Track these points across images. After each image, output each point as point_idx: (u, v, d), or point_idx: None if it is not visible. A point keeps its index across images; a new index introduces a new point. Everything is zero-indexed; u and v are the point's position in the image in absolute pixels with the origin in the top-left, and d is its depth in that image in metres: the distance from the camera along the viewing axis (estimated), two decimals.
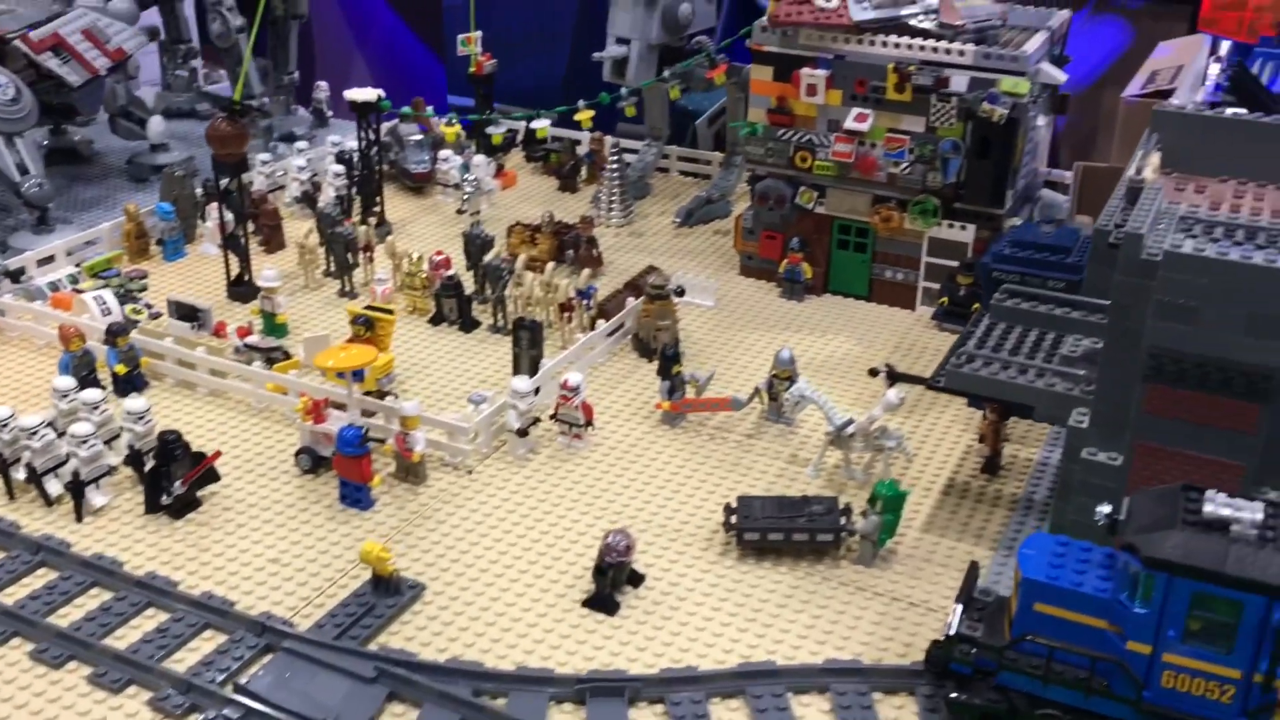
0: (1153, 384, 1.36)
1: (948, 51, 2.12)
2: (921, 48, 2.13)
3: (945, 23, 2.13)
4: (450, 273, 2.20)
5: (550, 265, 2.22)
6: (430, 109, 3.15)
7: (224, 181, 2.16)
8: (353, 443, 1.62)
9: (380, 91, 2.50)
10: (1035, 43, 2.12)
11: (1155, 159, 1.59)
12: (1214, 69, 3.52)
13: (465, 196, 2.64)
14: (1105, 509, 1.25)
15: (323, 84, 3.26)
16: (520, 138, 2.99)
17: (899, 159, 2.21)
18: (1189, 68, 3.94)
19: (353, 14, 9.44)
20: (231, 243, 2.21)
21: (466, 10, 11.08)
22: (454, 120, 2.99)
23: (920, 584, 1.56)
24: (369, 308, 1.97)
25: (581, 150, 2.88)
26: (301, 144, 2.71)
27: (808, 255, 2.35)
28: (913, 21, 2.17)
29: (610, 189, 2.67)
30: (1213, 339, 1.30)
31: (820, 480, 1.78)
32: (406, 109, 3.10)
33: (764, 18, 2.24)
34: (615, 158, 2.66)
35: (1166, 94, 4.53)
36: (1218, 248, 1.30)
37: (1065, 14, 2.35)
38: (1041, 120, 2.22)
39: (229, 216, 2.17)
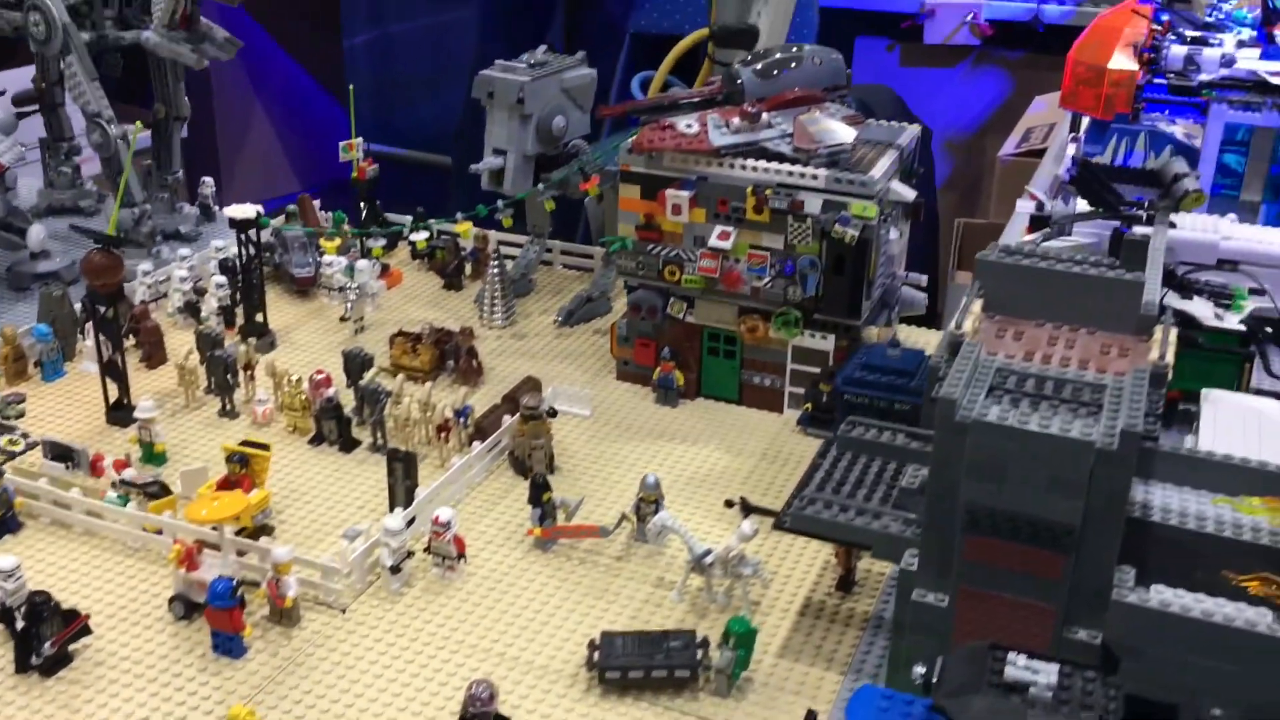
0: (970, 535, 1.47)
1: (801, 175, 2.23)
2: (777, 171, 2.24)
3: (799, 147, 2.25)
4: (330, 392, 2.24)
5: (427, 385, 2.28)
6: (318, 204, 3.20)
7: (100, 309, 2.18)
8: (224, 595, 1.66)
9: (259, 208, 2.53)
10: (883, 165, 2.24)
11: (977, 307, 1.71)
12: (1070, 147, 3.71)
13: (349, 304, 2.68)
14: (920, 670, 1.35)
15: (208, 179, 3.28)
16: (407, 232, 3.04)
17: (761, 274, 2.31)
18: (1061, 124, 4.10)
19: (252, 64, 9.37)
20: (109, 369, 2.23)
21: (369, 52, 10.96)
22: (340, 224, 3.04)
23: (774, 713, 1.65)
24: (244, 443, 2.00)
25: (466, 247, 2.94)
26: (185, 250, 2.73)
27: (680, 363, 2.44)
28: (770, 145, 2.27)
29: (491, 290, 2.74)
30: (1018, 498, 1.41)
31: (685, 605, 1.86)
32: (292, 207, 3.14)
33: (632, 138, 2.34)
34: (495, 260, 2.73)
35: (1040, 153, 4.74)
36: (1020, 415, 1.41)
37: (915, 130, 2.49)
38: (894, 234, 2.34)
39: (105, 345, 2.19)
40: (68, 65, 2.73)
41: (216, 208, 3.27)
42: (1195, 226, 2.73)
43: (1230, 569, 1.55)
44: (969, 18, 6.26)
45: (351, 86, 3.08)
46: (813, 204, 2.23)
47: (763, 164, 2.27)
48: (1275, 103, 3.30)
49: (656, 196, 2.33)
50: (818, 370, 2.34)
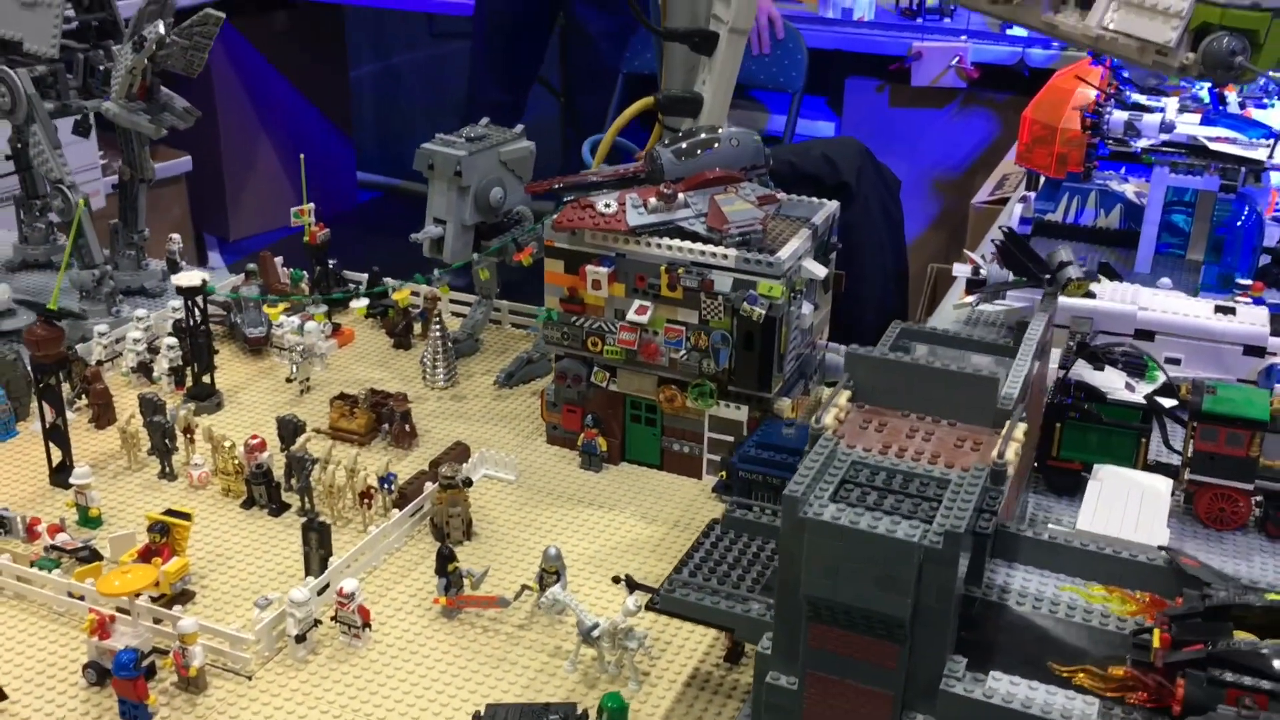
0: (813, 623, 1.56)
1: (713, 255, 2.32)
2: (691, 250, 2.34)
3: (712, 227, 2.34)
4: (263, 457, 2.35)
5: (354, 452, 2.38)
6: (280, 260, 3.30)
7: (41, 379, 2.29)
8: (127, 666, 1.76)
9: (205, 275, 2.65)
10: (794, 244, 2.33)
11: (843, 398, 1.80)
12: (1018, 207, 3.79)
13: (294, 365, 2.79)
14: None
15: (175, 235, 3.40)
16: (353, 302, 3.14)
17: (678, 346, 2.41)
18: None
19: (258, 96, 9.56)
20: (53, 433, 2.34)
21: (374, 83, 11.12)
22: (297, 282, 3.15)
23: None
24: (167, 512, 2.11)
25: (416, 306, 3.04)
26: (141, 311, 2.84)
27: (604, 429, 2.53)
28: (685, 225, 2.37)
29: (433, 352, 2.84)
30: (852, 592, 1.49)
31: (577, 675, 1.95)
32: (252, 266, 3.25)
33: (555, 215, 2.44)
34: (437, 323, 2.83)
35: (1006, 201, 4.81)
36: (853, 514, 1.50)
37: (832, 206, 2.58)
38: (807, 308, 2.43)
39: (49, 410, 2.31)
40: (33, 134, 2.86)
41: (183, 263, 3.39)
42: (1114, 296, 2.81)
43: (1072, 655, 1.63)
44: (955, 61, 6.36)
45: (302, 156, 3.18)
46: (723, 282, 2.32)
47: (677, 243, 2.36)
48: (1218, 166, 3.38)
49: (578, 271, 2.43)
50: (732, 439, 2.43)
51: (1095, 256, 3.70)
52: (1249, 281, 3.20)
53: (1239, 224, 3.27)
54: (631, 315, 2.40)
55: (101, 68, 2.87)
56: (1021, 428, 1.71)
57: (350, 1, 8.28)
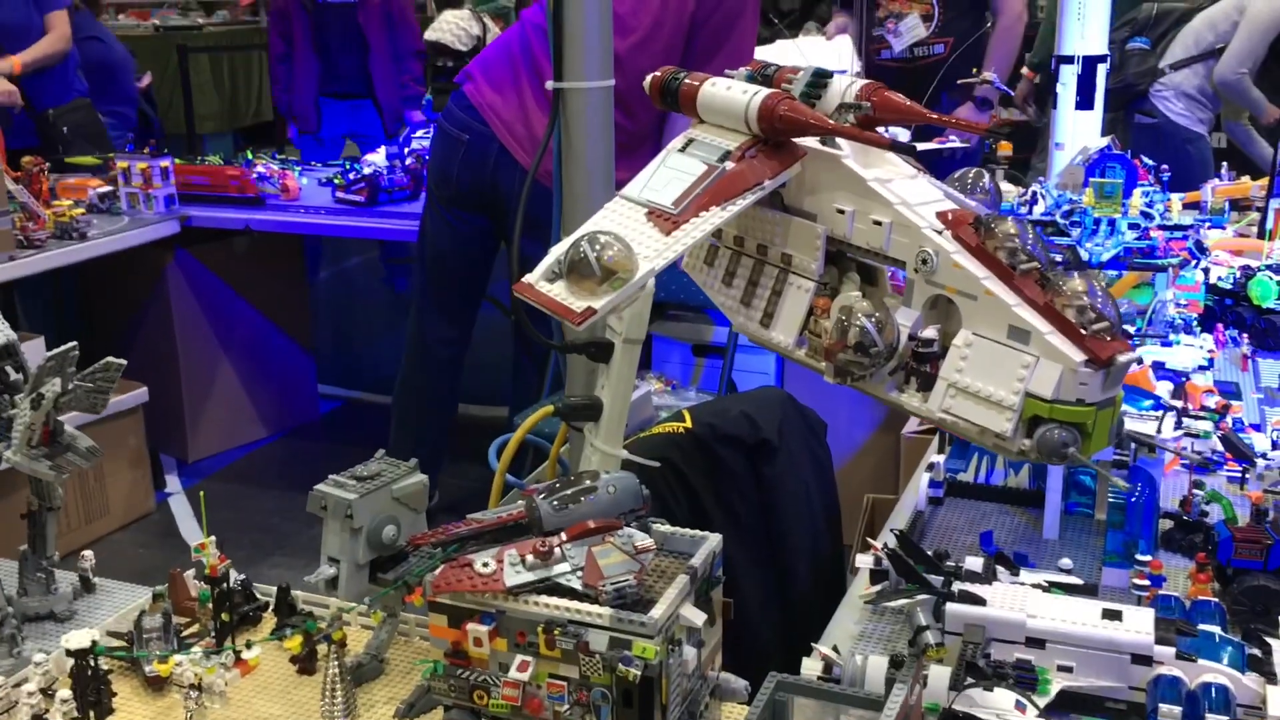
0: None
1: (589, 613, 2.36)
2: (567, 609, 2.37)
3: (588, 584, 2.38)
4: None
5: None
6: (191, 574, 3.30)
7: None
8: None
9: (96, 634, 2.66)
10: (670, 595, 2.37)
11: None
12: (924, 477, 3.85)
13: (188, 712, 2.78)
14: None
15: (88, 553, 3.43)
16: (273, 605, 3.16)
17: (561, 701, 2.42)
18: None
19: (215, 317, 9.73)
20: None
21: (333, 299, 11.44)
22: (204, 604, 3.16)
23: None
24: None
25: (319, 630, 3.05)
26: (40, 656, 2.84)
27: None
28: (561, 580, 2.42)
29: (330, 686, 2.84)
30: None
31: None
32: (160, 587, 3.26)
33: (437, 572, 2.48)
34: (334, 657, 2.84)
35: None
36: None
37: (715, 541, 2.62)
38: (689, 653, 2.46)
39: None
40: None
41: (96, 581, 3.40)
42: (1004, 603, 2.85)
43: None
44: None
45: (203, 493, 3.24)
46: (599, 642, 2.35)
47: (555, 600, 2.40)
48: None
49: (461, 627, 2.46)
50: None
51: (1007, 521, 3.77)
52: (1148, 558, 3.25)
53: (1133, 499, 3.34)
54: (514, 672, 2.41)
55: (4, 415, 2.95)
56: None
57: (302, 231, 8.53)
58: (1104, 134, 5.52)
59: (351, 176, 8.13)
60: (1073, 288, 2.02)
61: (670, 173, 2.40)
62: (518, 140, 5.87)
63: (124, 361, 2.96)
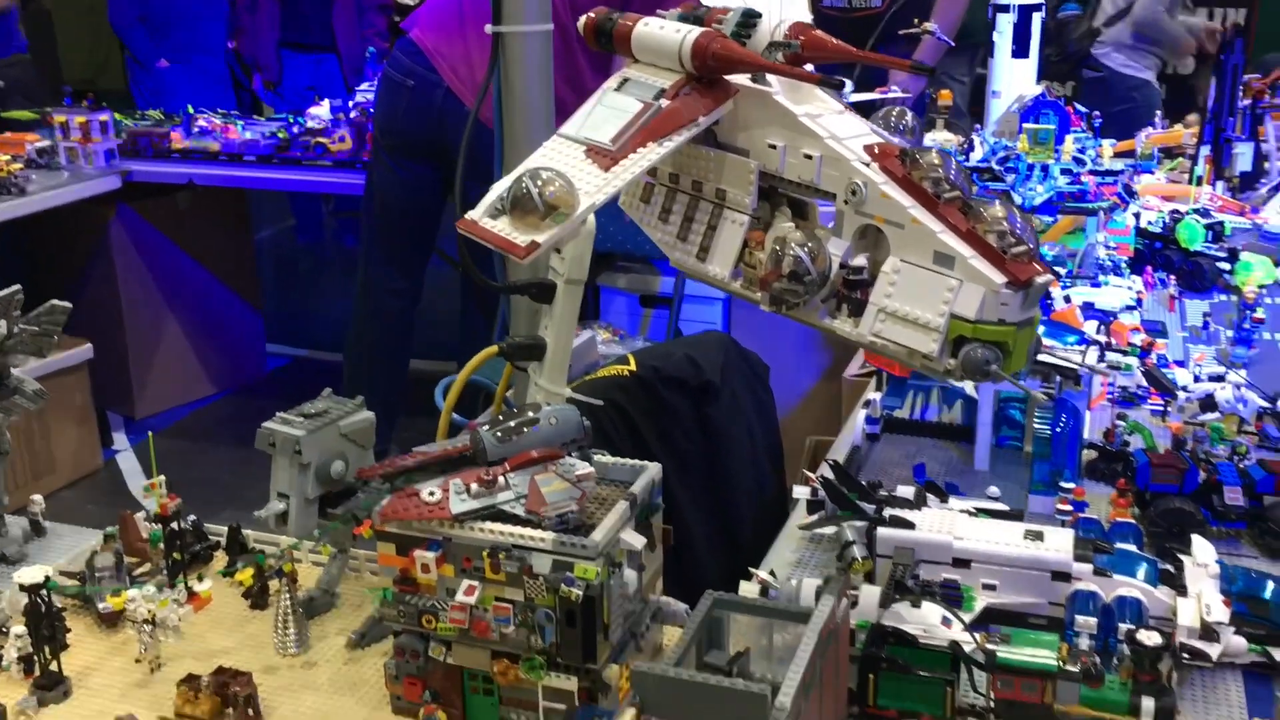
0: None
1: (532, 539, 2.44)
2: (511, 534, 2.45)
3: (531, 510, 2.46)
4: None
5: None
6: (147, 511, 3.34)
7: None
8: None
9: (49, 570, 2.70)
10: (610, 521, 2.45)
11: (629, 715, 1.91)
12: (860, 413, 3.96)
13: (143, 645, 2.83)
14: None
15: (37, 497, 3.45)
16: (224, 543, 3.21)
17: (506, 623, 2.50)
18: None
19: (161, 275, 9.65)
20: None
21: (280, 256, 11.40)
22: (155, 543, 3.20)
23: None
24: None
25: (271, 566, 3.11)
26: None
27: (444, 701, 2.61)
28: (506, 508, 2.49)
29: (282, 618, 2.90)
30: None
31: None
32: (111, 528, 3.30)
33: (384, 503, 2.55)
34: (286, 590, 2.90)
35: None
36: None
37: (654, 470, 2.71)
38: (629, 575, 2.55)
39: None
40: None
41: (46, 523, 3.43)
42: (932, 527, 2.96)
43: None
44: None
45: (151, 434, 3.27)
46: (542, 564, 2.44)
47: (499, 526, 2.48)
48: (1038, 372, 3.60)
49: (408, 554, 2.53)
50: (564, 707, 2.52)
51: (940, 455, 3.90)
52: (1072, 485, 3.39)
53: (1058, 430, 3.47)
54: (460, 596, 2.49)
55: None
56: None
57: (246, 185, 8.46)
58: (1067, 97, 5.62)
59: (295, 130, 8.07)
60: (993, 214, 2.11)
61: (607, 111, 2.46)
62: (463, 84, 5.88)
63: (69, 305, 2.97)
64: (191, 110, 9.06)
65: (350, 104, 8.41)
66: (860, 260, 2.25)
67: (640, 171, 2.38)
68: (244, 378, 9.74)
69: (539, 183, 2.36)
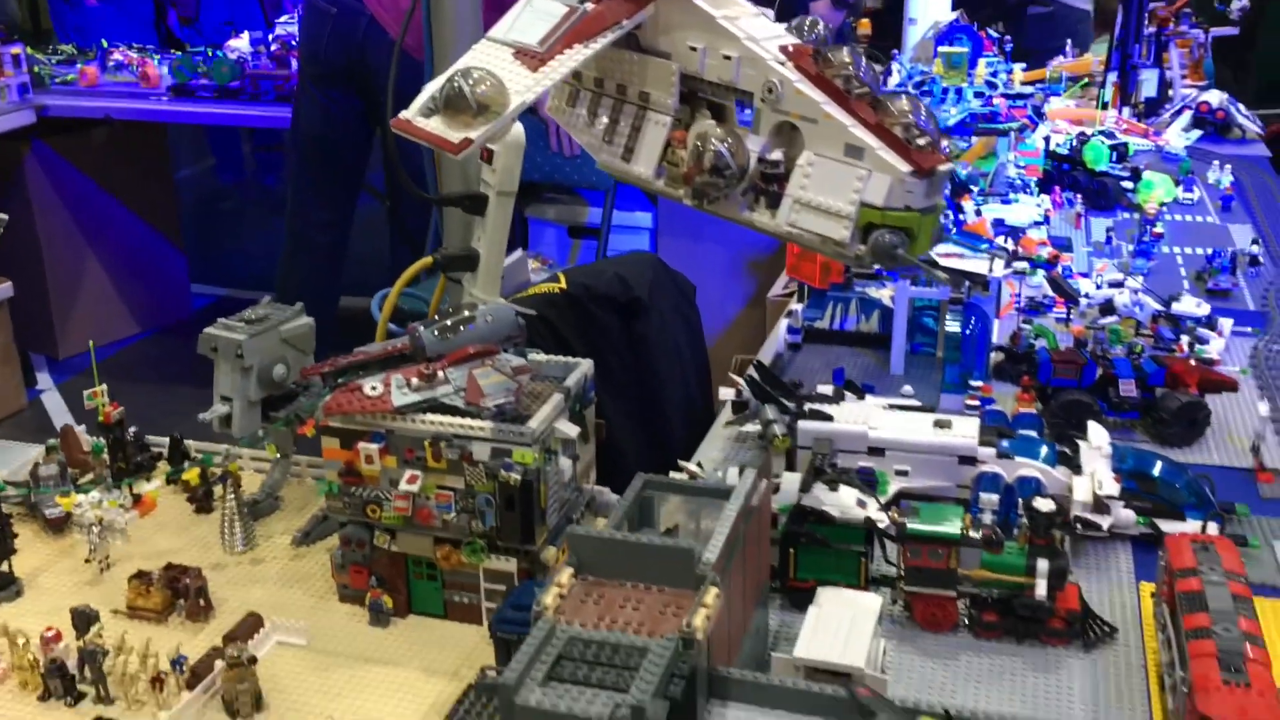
0: None
1: (471, 427, 2.56)
2: (451, 425, 2.57)
3: (470, 401, 2.58)
4: (58, 649, 2.47)
5: (147, 637, 2.52)
6: (83, 429, 3.39)
7: None
8: None
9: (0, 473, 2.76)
10: (545, 411, 2.58)
11: (565, 576, 2.05)
12: (782, 323, 4.14)
13: (91, 545, 2.91)
14: None
15: None
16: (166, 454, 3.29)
17: (448, 510, 2.63)
18: None
19: (81, 214, 9.49)
20: None
21: (203, 195, 11.27)
22: (98, 454, 3.26)
23: None
24: None
25: (216, 471, 3.19)
26: None
27: (390, 586, 2.73)
28: (446, 400, 2.61)
29: (229, 518, 2.99)
30: None
31: None
32: (53, 441, 3.35)
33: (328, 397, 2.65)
34: (231, 491, 2.99)
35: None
36: (554, 695, 1.74)
37: (586, 365, 2.84)
38: (565, 463, 2.68)
39: None
40: None
41: None
42: (849, 418, 3.14)
43: None
44: None
45: (91, 342, 3.31)
46: (482, 452, 2.56)
47: (439, 418, 2.59)
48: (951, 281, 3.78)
49: (352, 447, 2.63)
50: (504, 588, 2.66)
51: (858, 361, 4.08)
52: (980, 383, 3.60)
53: (968, 333, 3.67)
54: (404, 485, 2.61)
55: None
56: (713, 592, 1.98)
57: (164, 119, 8.34)
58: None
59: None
60: (900, 108, 2.25)
61: (534, 15, 2.55)
62: (387, 12, 5.87)
63: (5, 216, 2.99)
64: (105, 44, 8.87)
65: (270, 37, 8.32)
66: (776, 155, 2.38)
67: (567, 71, 2.48)
68: (169, 317, 9.65)
69: (470, 81, 2.46)
